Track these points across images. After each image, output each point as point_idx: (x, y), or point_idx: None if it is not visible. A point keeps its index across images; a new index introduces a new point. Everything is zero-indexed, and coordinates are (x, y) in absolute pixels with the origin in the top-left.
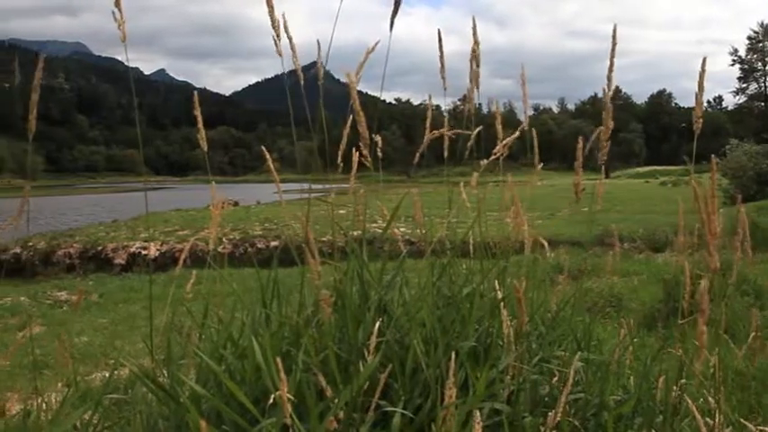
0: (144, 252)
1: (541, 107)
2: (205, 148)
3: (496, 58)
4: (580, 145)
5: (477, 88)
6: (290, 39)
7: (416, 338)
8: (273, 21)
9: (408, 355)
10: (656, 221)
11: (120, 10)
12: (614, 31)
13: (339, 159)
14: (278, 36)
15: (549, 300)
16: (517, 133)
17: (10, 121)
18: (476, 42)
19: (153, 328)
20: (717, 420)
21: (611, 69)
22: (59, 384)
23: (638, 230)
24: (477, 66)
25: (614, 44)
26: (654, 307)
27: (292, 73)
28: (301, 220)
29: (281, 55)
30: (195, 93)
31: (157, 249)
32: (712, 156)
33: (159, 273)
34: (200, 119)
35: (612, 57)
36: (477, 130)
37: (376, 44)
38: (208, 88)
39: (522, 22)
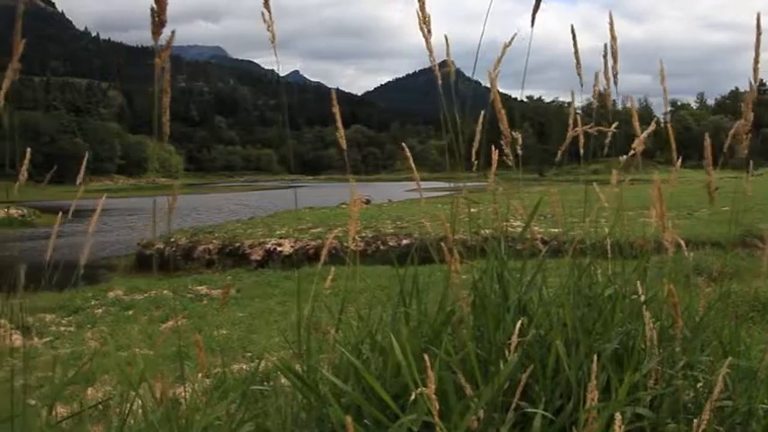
0: (279, 249)
1: (679, 103)
2: (344, 146)
3: (634, 52)
4: (707, 142)
5: (616, 84)
6: (426, 38)
7: (557, 339)
8: (424, 17)
9: (549, 356)
10: None
11: (268, 11)
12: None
13: (474, 157)
14: (429, 32)
15: (694, 303)
16: (652, 127)
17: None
18: (613, 38)
19: (290, 322)
20: None
21: (756, 61)
22: (200, 375)
23: None
24: (615, 61)
25: (759, 33)
26: None
27: (424, 72)
28: (440, 217)
29: (431, 52)
30: (332, 92)
31: (291, 246)
32: None
33: (293, 269)
34: (339, 119)
35: (758, 47)
36: (615, 125)
37: (513, 38)
38: (341, 89)
39: (660, 16)
